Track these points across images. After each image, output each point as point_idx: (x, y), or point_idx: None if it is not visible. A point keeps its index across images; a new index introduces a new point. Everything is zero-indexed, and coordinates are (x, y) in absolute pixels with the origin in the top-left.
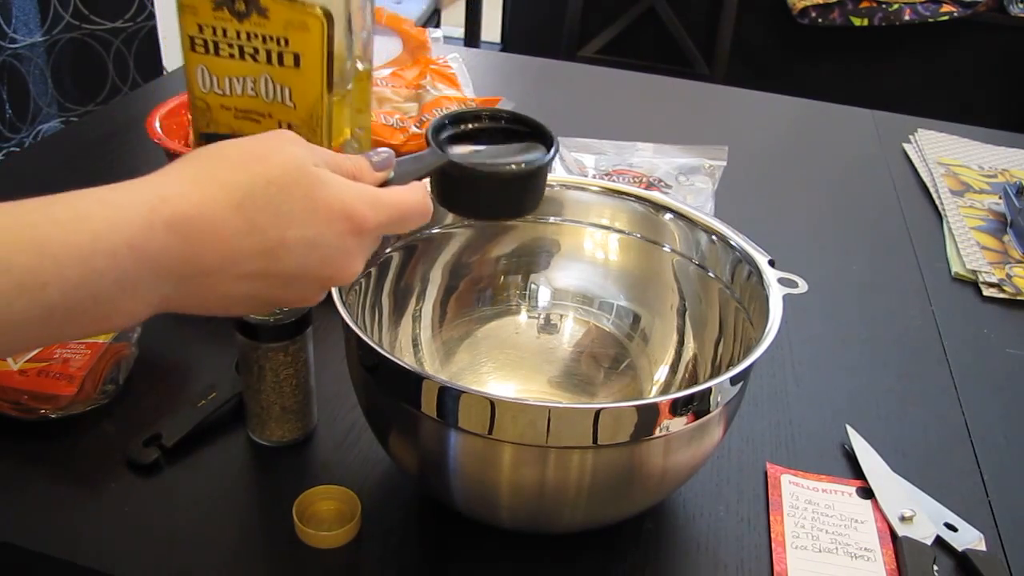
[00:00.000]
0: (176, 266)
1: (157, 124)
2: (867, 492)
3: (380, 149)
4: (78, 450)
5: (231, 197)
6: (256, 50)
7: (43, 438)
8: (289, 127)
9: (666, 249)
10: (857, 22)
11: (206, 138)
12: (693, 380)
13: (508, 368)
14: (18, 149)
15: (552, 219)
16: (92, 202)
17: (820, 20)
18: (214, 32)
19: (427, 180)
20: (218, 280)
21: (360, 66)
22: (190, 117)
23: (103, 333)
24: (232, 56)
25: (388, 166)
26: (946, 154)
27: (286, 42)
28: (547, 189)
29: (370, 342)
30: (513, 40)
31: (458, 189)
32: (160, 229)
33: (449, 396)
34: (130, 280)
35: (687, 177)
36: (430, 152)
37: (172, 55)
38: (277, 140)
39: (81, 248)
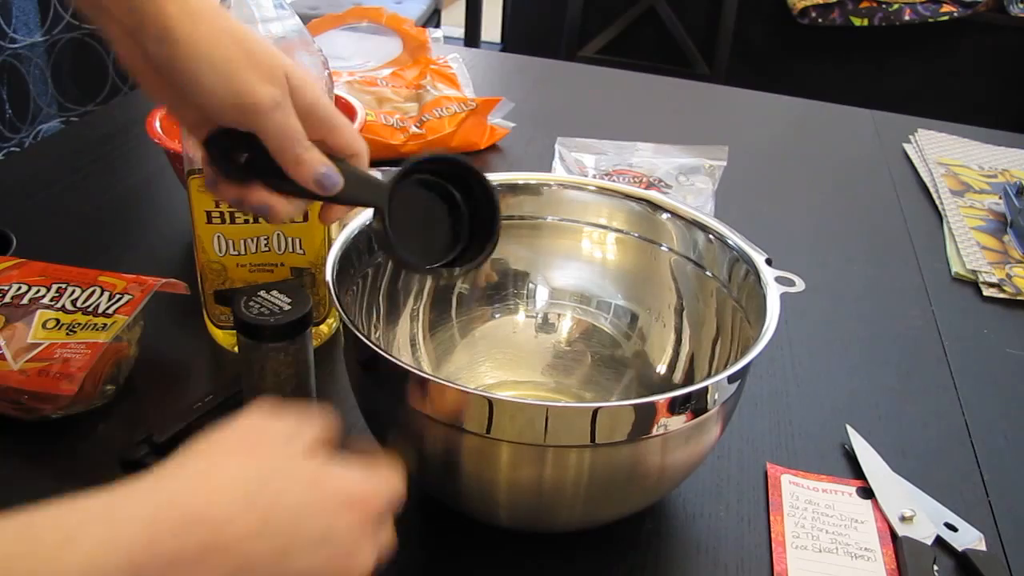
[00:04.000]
0: (186, 569)
1: (157, 124)
2: (867, 492)
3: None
4: (78, 450)
5: (243, 488)
6: None
7: (43, 438)
8: (300, 271)
9: (664, 248)
10: (857, 22)
11: (219, 295)
12: (690, 379)
13: (506, 367)
14: (18, 149)
15: (550, 218)
16: (83, 520)
17: (820, 20)
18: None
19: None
20: None
21: None
22: (200, 277)
23: None
24: (247, 220)
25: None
26: (946, 154)
27: None
28: (546, 188)
29: (368, 342)
30: (513, 40)
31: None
32: (167, 537)
33: (448, 396)
34: None
35: (687, 177)
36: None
37: None
38: (262, 423)
39: None
